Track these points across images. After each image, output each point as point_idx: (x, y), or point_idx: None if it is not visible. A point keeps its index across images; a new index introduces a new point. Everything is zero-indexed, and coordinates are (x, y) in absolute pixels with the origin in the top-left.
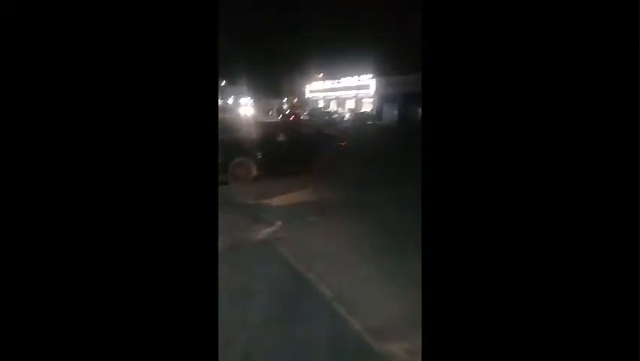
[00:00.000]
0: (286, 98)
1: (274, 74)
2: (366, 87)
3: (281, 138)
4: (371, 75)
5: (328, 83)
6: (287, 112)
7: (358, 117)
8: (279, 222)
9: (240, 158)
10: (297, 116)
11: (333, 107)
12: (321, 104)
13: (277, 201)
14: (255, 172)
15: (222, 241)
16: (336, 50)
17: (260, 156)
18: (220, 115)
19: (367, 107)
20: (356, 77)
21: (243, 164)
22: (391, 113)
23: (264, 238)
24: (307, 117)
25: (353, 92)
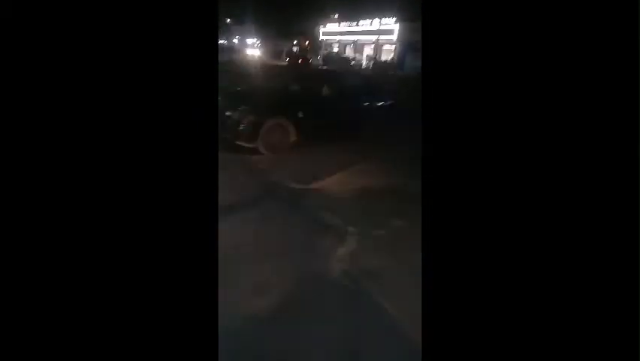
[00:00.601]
0: (296, 40)
1: (284, 12)
2: (389, 32)
3: (325, 91)
4: (395, 19)
5: (344, 26)
6: (295, 55)
7: (379, 66)
8: (355, 233)
9: (275, 118)
10: (305, 60)
11: (349, 52)
12: (335, 49)
13: (332, 185)
14: (293, 138)
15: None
16: None
17: (301, 116)
18: (227, 57)
19: (387, 55)
20: (377, 20)
21: (280, 127)
22: (413, 64)
23: (350, 273)
24: (321, 63)
25: (373, 37)
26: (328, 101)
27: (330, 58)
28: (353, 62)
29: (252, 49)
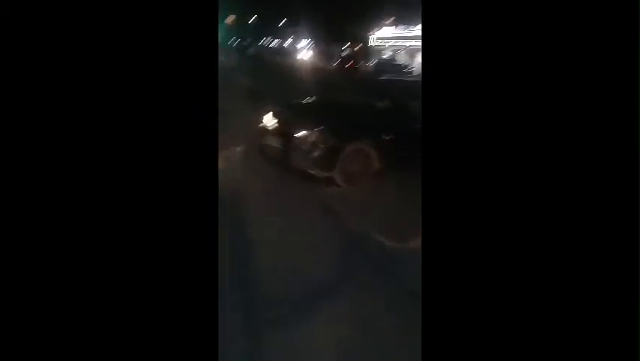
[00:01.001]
0: (349, 43)
1: (339, 13)
2: None
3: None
4: None
5: (399, 30)
6: (344, 59)
7: None
8: None
9: (356, 143)
10: (353, 65)
11: (402, 59)
12: (386, 55)
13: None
14: (377, 166)
15: None
16: None
17: (388, 139)
18: (279, 59)
19: None
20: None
21: (362, 153)
22: None
23: None
24: (373, 70)
25: None
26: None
27: (383, 65)
28: (405, 70)
29: (305, 51)
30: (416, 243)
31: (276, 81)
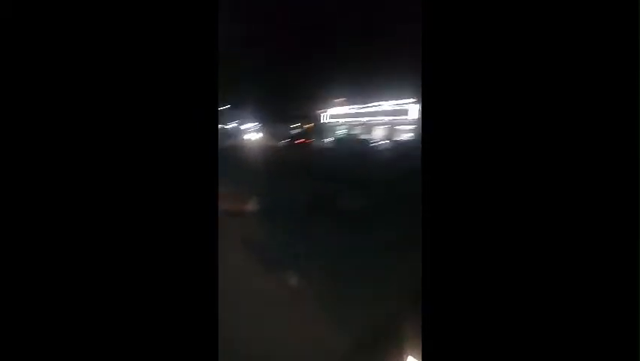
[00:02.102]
0: (299, 123)
1: (287, 95)
2: (404, 112)
3: None
4: (412, 99)
5: (353, 108)
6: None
7: (397, 146)
8: None
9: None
10: (307, 142)
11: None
12: (341, 131)
13: None
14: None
15: None
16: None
17: None
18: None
19: (401, 135)
20: (391, 102)
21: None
22: None
23: None
24: (333, 145)
25: (385, 119)
26: None
27: (342, 140)
28: (372, 144)
29: (252, 133)
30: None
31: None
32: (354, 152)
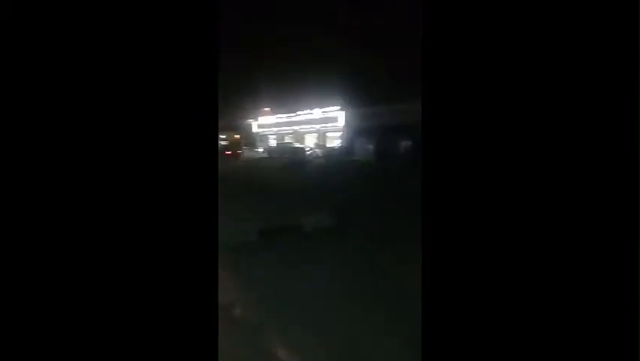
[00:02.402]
0: (225, 135)
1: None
2: (333, 120)
3: None
4: (338, 107)
5: (282, 117)
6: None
7: (330, 153)
8: None
9: None
10: (237, 153)
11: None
12: (271, 140)
13: None
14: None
15: None
16: (290, 81)
17: None
18: None
19: (332, 142)
20: (319, 110)
21: None
22: (364, 148)
23: None
24: (265, 154)
25: (315, 126)
26: None
27: (276, 149)
28: (308, 152)
29: None
30: None
31: None
32: (294, 161)
